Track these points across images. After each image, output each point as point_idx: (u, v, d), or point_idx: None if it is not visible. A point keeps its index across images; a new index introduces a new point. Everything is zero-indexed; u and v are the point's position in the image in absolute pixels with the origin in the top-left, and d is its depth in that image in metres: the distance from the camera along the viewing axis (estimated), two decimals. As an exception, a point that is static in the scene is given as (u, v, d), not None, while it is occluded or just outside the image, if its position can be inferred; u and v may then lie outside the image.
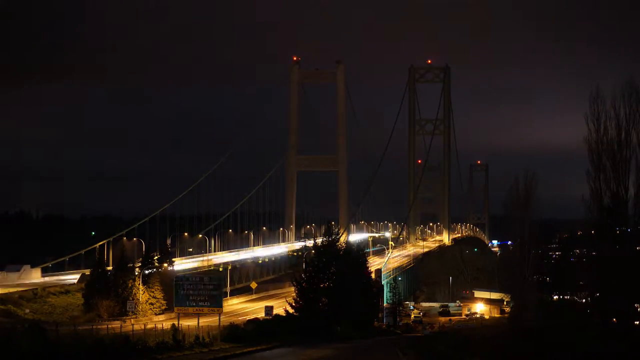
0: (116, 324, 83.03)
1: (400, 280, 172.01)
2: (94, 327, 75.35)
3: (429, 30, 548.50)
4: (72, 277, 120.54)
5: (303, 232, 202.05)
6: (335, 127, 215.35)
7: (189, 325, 71.80)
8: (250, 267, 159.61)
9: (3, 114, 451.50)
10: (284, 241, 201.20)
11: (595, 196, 60.89)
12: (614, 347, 48.86)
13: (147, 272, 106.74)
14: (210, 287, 74.92)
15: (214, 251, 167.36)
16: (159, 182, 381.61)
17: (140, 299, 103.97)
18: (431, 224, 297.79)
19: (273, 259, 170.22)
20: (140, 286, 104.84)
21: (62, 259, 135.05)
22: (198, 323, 73.69)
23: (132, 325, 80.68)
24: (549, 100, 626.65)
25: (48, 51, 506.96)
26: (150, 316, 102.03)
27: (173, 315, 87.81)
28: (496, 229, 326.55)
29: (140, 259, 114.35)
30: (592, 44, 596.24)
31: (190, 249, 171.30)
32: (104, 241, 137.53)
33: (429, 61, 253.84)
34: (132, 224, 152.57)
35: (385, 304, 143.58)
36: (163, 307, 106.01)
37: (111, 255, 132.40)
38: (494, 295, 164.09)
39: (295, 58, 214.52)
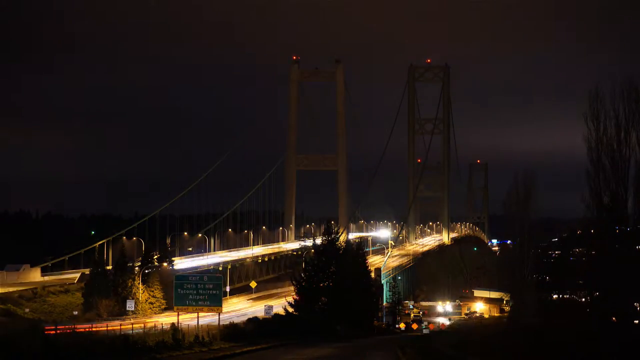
0: (116, 323, 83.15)
1: (399, 279, 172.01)
2: (93, 326, 75.49)
3: (429, 29, 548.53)
4: (72, 277, 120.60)
5: (302, 231, 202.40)
6: (334, 126, 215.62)
7: (188, 325, 71.78)
8: (250, 266, 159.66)
9: (3, 113, 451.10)
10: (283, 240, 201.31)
11: (594, 195, 60.87)
12: (614, 347, 48.86)
13: (146, 271, 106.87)
14: (209, 287, 74.91)
15: (214, 250, 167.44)
16: (158, 182, 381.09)
17: (140, 298, 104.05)
18: (431, 223, 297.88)
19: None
20: (140, 285, 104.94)
21: (62, 258, 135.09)
22: (198, 322, 73.66)
23: (132, 324, 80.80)
24: (548, 99, 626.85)
25: (48, 51, 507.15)
26: (150, 315, 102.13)
27: (173, 314, 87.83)
28: (496, 228, 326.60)
29: (140, 258, 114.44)
30: (592, 44, 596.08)
31: (190, 249, 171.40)
32: (103, 240, 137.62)
33: (429, 60, 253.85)
34: (131, 224, 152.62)
35: (384, 303, 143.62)
36: (163, 307, 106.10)
37: (111, 255, 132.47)
38: (494, 295, 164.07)
39: (294, 57, 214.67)
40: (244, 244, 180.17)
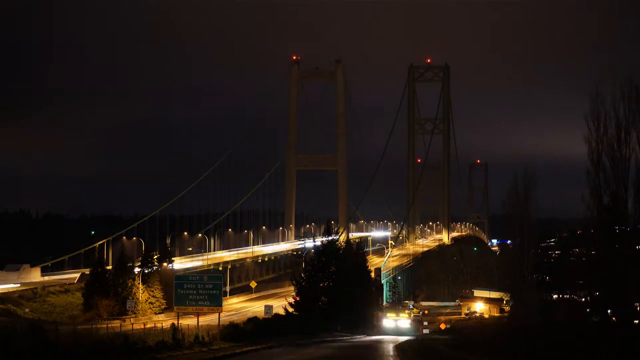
0: (116, 323, 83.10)
1: (399, 279, 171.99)
2: (94, 326, 75.41)
3: (429, 29, 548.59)
4: (72, 277, 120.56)
5: (303, 231, 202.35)
6: (334, 126, 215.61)
7: (188, 325, 71.76)
8: (250, 266, 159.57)
9: (3, 112, 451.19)
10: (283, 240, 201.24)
11: (594, 195, 60.90)
12: (613, 347, 48.82)
13: (146, 271, 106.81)
14: (209, 287, 74.94)
15: (214, 250, 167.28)
16: (158, 182, 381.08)
17: (140, 298, 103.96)
18: (431, 223, 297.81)
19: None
20: (140, 285, 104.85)
21: (62, 258, 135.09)
22: (198, 322, 73.69)
23: (132, 324, 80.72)
24: (549, 99, 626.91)
25: (48, 51, 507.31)
26: (150, 315, 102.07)
27: (173, 314, 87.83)
28: (496, 228, 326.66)
29: (140, 258, 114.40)
30: (592, 44, 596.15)
31: (190, 248, 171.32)
32: (103, 240, 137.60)
33: (429, 60, 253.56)
34: (131, 223, 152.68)
35: (384, 303, 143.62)
36: (163, 307, 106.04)
37: (111, 255, 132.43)
38: (494, 295, 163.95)
39: (294, 57, 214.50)
40: (244, 244, 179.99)
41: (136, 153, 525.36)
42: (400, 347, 64.15)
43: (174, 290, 76.08)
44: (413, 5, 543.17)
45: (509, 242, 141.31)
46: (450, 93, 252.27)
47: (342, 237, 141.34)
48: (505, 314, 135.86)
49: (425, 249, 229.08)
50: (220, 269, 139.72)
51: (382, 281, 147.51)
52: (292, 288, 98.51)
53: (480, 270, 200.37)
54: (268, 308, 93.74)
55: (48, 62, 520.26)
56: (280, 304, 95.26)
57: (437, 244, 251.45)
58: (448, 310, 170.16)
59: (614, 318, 62.78)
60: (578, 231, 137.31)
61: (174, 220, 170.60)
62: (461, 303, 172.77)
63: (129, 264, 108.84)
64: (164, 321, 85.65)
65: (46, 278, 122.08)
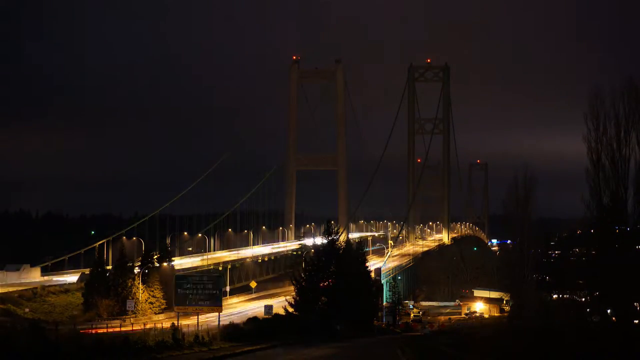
0: (116, 323, 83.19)
1: (399, 279, 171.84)
2: (94, 326, 75.52)
3: (429, 29, 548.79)
4: (72, 277, 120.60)
5: (302, 231, 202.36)
6: (334, 126, 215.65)
7: (188, 325, 71.83)
8: (250, 266, 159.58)
9: (3, 113, 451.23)
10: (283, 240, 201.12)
11: (594, 195, 60.92)
12: (614, 347, 48.83)
13: (146, 271, 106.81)
14: (209, 286, 74.98)
15: (214, 250, 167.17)
16: (158, 182, 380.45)
17: (140, 298, 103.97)
18: (431, 223, 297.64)
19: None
20: (140, 285, 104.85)
21: (62, 258, 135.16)
22: (197, 322, 73.74)
23: (132, 324, 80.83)
24: (549, 99, 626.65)
25: (47, 50, 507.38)
26: (150, 315, 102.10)
27: (172, 314, 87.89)
28: (496, 228, 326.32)
29: (140, 258, 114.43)
30: (592, 44, 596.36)
31: (190, 248, 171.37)
32: (103, 240, 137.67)
33: (429, 60, 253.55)
34: (131, 223, 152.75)
35: (384, 303, 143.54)
36: (162, 307, 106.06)
37: (111, 255, 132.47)
38: (494, 295, 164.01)
39: (294, 57, 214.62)
40: (244, 244, 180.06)
41: (137, 153, 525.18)
42: (400, 347, 64.21)
43: (174, 290, 76.13)
44: (413, 4, 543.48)
45: (509, 242, 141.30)
46: (450, 93, 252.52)
47: (342, 237, 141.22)
48: (505, 314, 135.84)
49: (425, 249, 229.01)
50: (220, 269, 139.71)
51: (382, 281, 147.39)
52: (292, 288, 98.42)
53: (480, 270, 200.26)
54: (268, 308, 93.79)
55: (48, 61, 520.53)
56: (281, 304, 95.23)
57: (437, 244, 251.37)
58: (448, 310, 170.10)
59: (614, 318, 62.82)
60: (578, 231, 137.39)
61: (174, 220, 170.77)
62: (461, 303, 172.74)
63: (128, 264, 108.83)
64: (164, 321, 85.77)
65: (46, 278, 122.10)
